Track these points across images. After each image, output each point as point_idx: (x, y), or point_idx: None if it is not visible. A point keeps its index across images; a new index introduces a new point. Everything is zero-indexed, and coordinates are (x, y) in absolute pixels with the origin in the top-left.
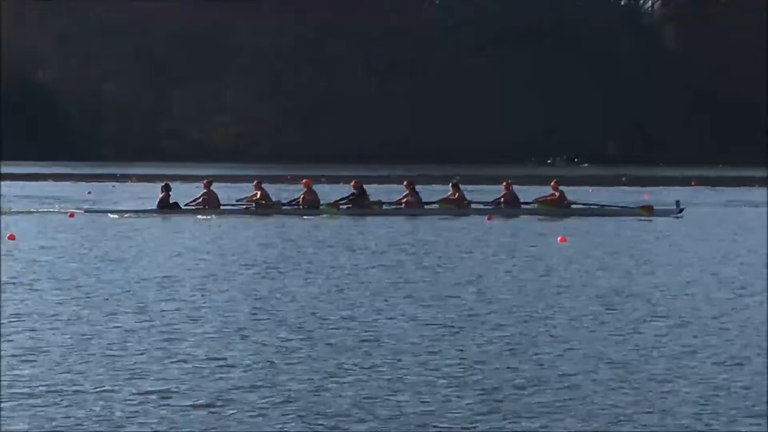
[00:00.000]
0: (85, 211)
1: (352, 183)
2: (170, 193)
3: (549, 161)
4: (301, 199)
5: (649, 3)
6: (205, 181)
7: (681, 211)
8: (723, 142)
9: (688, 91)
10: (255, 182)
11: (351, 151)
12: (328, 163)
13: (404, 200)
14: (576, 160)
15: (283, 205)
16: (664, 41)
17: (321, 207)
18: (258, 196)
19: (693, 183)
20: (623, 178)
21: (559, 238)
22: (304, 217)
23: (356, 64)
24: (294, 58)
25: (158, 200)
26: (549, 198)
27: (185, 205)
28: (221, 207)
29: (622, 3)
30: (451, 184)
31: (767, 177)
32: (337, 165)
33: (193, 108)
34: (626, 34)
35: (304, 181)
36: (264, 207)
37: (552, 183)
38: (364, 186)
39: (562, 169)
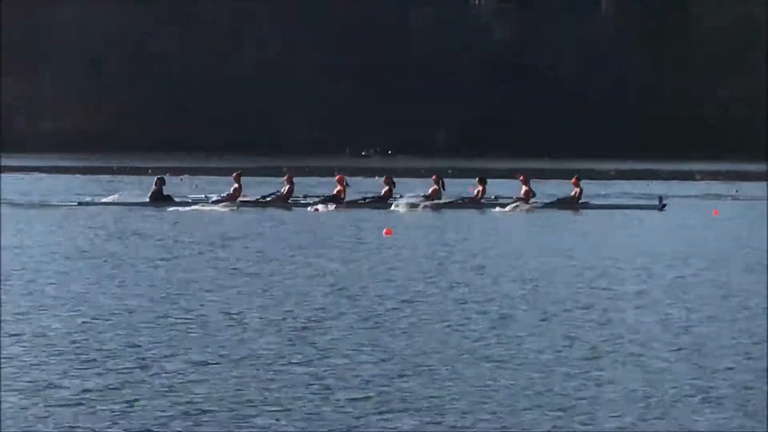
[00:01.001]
0: (78, 204)
1: (337, 177)
2: (164, 186)
3: (363, 153)
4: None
5: None
6: (234, 174)
7: (663, 206)
8: (554, 133)
9: (519, 83)
10: (287, 176)
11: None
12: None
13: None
14: (390, 152)
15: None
16: (493, 32)
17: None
18: (286, 190)
19: (519, 177)
20: (449, 171)
21: (384, 231)
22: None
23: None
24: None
25: (151, 192)
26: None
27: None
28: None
29: None
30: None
31: (591, 170)
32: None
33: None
34: (456, 26)
35: (337, 177)
36: (282, 200)
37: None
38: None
39: (376, 161)
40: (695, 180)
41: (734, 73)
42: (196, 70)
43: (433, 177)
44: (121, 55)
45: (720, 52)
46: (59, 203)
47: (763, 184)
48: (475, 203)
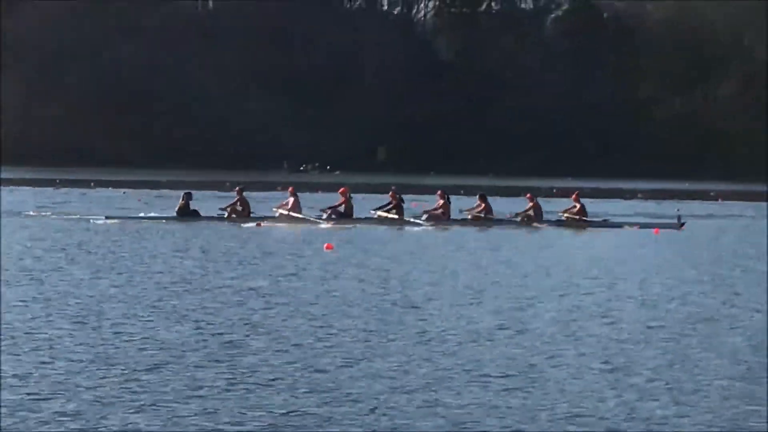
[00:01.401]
0: (106, 218)
1: (390, 193)
2: (190, 201)
3: (302, 168)
4: (341, 208)
5: (422, 13)
6: (237, 188)
7: (682, 225)
8: (497, 150)
9: (462, 100)
10: (290, 188)
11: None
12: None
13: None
14: (328, 167)
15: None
16: (437, 50)
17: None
18: (290, 204)
19: (462, 192)
20: (392, 186)
21: (325, 246)
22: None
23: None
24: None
25: (178, 207)
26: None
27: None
28: (251, 215)
29: (395, 12)
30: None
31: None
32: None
33: None
34: (400, 44)
35: (341, 190)
36: (293, 216)
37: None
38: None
39: (314, 176)
40: (637, 199)
41: (676, 92)
42: (136, 82)
43: (439, 192)
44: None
45: (662, 70)
46: (81, 216)
47: (705, 203)
48: (478, 220)
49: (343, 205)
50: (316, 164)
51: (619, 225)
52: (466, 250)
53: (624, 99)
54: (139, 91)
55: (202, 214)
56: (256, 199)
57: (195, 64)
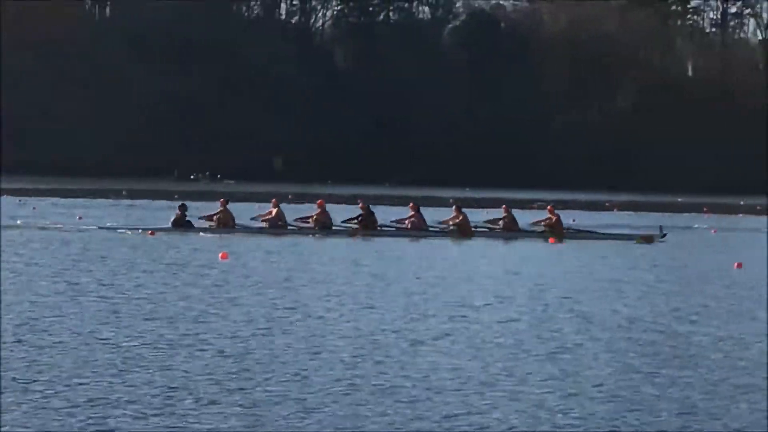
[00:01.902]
0: (99, 228)
1: (360, 204)
2: (186, 212)
3: (192, 177)
4: (312, 219)
5: (320, 23)
6: (222, 200)
7: (664, 235)
8: (396, 160)
9: (360, 109)
10: (273, 201)
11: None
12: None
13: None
14: (219, 176)
15: (290, 224)
16: (334, 60)
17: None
18: (273, 214)
19: (358, 202)
20: (290, 196)
21: (221, 255)
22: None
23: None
24: None
25: (173, 219)
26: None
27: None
28: (236, 226)
29: (293, 22)
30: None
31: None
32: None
33: None
34: (296, 54)
35: (318, 201)
36: (278, 227)
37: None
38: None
39: (205, 185)
40: (531, 208)
41: (572, 104)
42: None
43: (411, 204)
44: None
45: (559, 81)
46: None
47: (602, 213)
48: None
49: (314, 217)
50: (207, 173)
51: (600, 237)
52: (379, 259)
53: (521, 110)
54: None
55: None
56: (153, 208)
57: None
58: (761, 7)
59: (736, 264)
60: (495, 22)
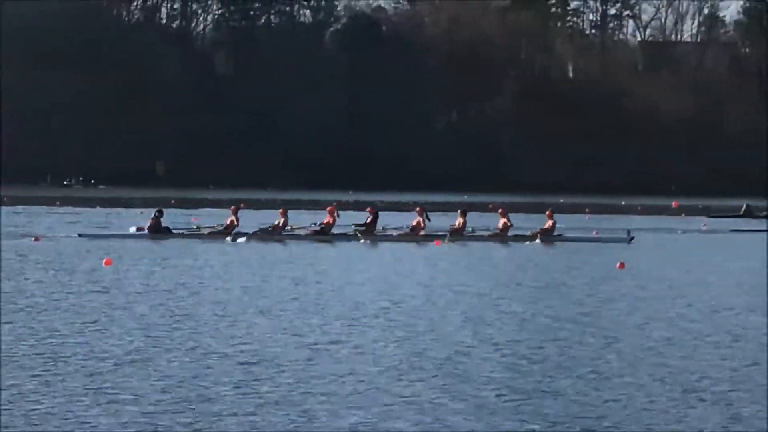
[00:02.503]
0: (79, 236)
1: (368, 209)
2: (162, 218)
3: (65, 182)
4: (323, 224)
5: (201, 27)
6: (233, 207)
7: (631, 239)
8: (277, 164)
9: (241, 114)
10: (281, 210)
11: None
12: None
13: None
14: (93, 182)
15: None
16: (216, 64)
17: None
18: (280, 224)
19: (242, 206)
20: (172, 201)
21: (104, 261)
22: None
23: None
24: None
25: (149, 225)
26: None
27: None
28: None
29: (174, 26)
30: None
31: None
32: None
33: None
34: (177, 57)
35: (329, 208)
36: (272, 233)
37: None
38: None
39: (78, 190)
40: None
41: (453, 105)
42: None
43: (417, 209)
44: None
45: (440, 83)
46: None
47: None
48: (459, 236)
49: (326, 223)
50: (80, 178)
51: (574, 240)
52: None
53: (402, 111)
54: None
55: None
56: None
57: None
58: (640, 9)
59: (618, 264)
60: (376, 24)
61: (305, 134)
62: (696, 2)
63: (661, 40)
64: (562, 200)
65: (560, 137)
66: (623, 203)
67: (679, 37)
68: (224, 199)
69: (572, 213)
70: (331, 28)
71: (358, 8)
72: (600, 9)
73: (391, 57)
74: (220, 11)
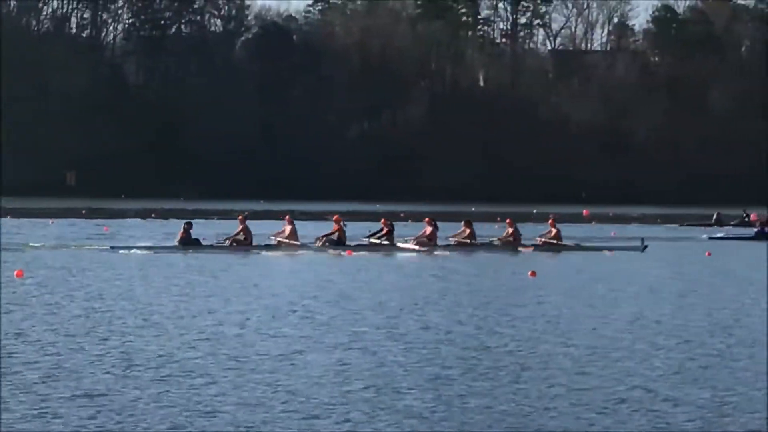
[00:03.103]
0: (111, 248)
1: (382, 221)
2: (191, 230)
3: None
4: (335, 236)
5: (111, 36)
6: (240, 216)
7: (645, 248)
8: (188, 174)
9: (152, 123)
10: (287, 217)
11: None
12: None
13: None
14: None
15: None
16: (126, 74)
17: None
18: (287, 232)
19: (153, 215)
20: (83, 211)
21: (15, 272)
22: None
23: None
24: None
25: (179, 237)
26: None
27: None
28: (253, 244)
29: (84, 35)
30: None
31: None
32: None
33: None
34: (87, 67)
35: (335, 217)
36: (291, 245)
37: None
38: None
39: None
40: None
41: (364, 114)
42: None
43: (427, 219)
44: None
45: (351, 92)
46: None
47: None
48: (467, 246)
49: (337, 233)
50: None
51: (594, 249)
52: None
53: (314, 121)
54: None
55: None
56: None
57: None
58: (550, 18)
59: (530, 272)
60: (287, 33)
61: (217, 143)
62: (605, 11)
63: (571, 48)
64: (473, 208)
65: (471, 145)
66: (534, 211)
67: (589, 45)
68: (138, 209)
69: (484, 221)
70: (242, 38)
71: (268, 17)
72: (510, 18)
73: (303, 66)
74: (130, 21)
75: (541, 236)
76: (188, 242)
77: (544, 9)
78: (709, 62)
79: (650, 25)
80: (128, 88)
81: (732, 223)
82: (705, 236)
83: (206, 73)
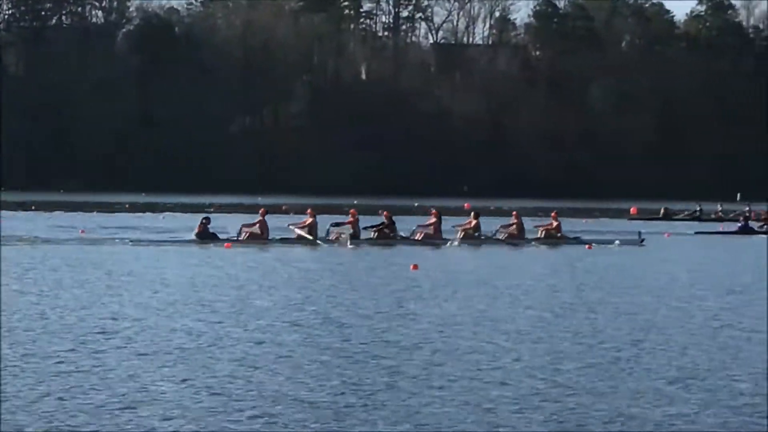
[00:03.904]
0: (131, 242)
1: (384, 213)
2: (209, 225)
3: None
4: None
5: None
6: (262, 210)
7: (642, 241)
8: (75, 166)
9: (32, 114)
10: (309, 210)
11: None
12: None
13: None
14: None
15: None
16: (5, 66)
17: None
18: (308, 223)
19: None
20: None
21: None
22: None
23: None
24: None
25: (197, 231)
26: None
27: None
28: (268, 238)
29: None
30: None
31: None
32: None
33: None
34: None
35: (351, 210)
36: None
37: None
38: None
39: None
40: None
41: (246, 110)
42: None
43: (433, 212)
44: None
45: (233, 87)
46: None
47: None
48: (471, 238)
49: (350, 225)
50: None
51: (589, 242)
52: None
53: (196, 114)
54: None
55: None
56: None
57: None
58: (432, 12)
59: (412, 266)
60: (169, 26)
61: (97, 136)
62: (487, 5)
63: (453, 42)
64: (355, 201)
65: (353, 139)
66: (416, 204)
67: (471, 39)
68: (17, 201)
69: (366, 215)
70: (123, 29)
71: (150, 9)
72: (393, 11)
73: (185, 59)
74: (10, 11)
75: (542, 227)
76: (206, 236)
77: (426, 2)
78: (589, 57)
79: (531, 19)
80: (9, 79)
81: (679, 216)
82: (691, 232)
83: (87, 65)
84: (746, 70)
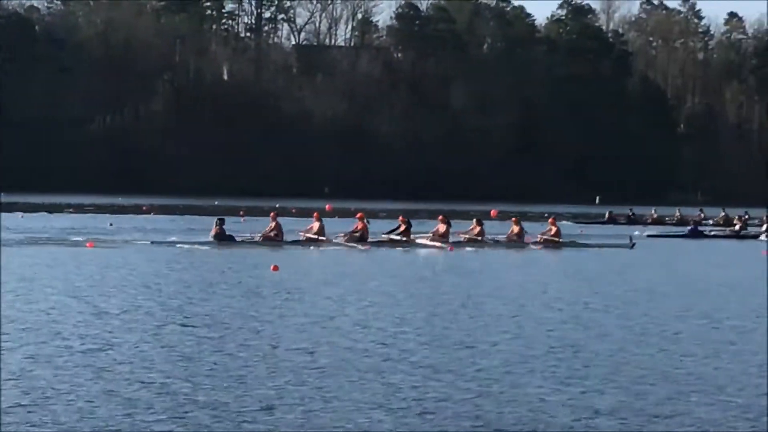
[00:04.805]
0: (152, 243)
1: (400, 218)
2: (224, 227)
3: None
4: (358, 233)
5: None
6: (273, 213)
7: (633, 245)
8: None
9: None
10: (315, 214)
11: None
12: None
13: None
14: None
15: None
16: None
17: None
18: (315, 228)
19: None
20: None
21: None
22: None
23: None
24: None
25: (213, 233)
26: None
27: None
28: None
29: None
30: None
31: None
32: None
33: None
34: None
35: (358, 215)
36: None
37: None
38: None
39: None
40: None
41: (107, 109)
42: None
43: (440, 217)
44: None
45: (93, 85)
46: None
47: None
48: (476, 242)
49: (361, 230)
50: None
51: (582, 246)
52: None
53: (55, 114)
54: None
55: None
56: None
57: None
58: (294, 13)
59: (272, 267)
60: (29, 24)
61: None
62: (350, 7)
63: (315, 44)
64: (216, 202)
65: (215, 139)
66: (277, 206)
67: (333, 41)
68: None
69: (228, 215)
70: None
71: (10, 7)
72: (255, 12)
73: (44, 57)
74: None
75: (542, 234)
76: (222, 238)
77: (288, 4)
78: (451, 59)
79: (394, 21)
80: None
81: (623, 220)
82: (640, 234)
83: None
84: (605, 73)
